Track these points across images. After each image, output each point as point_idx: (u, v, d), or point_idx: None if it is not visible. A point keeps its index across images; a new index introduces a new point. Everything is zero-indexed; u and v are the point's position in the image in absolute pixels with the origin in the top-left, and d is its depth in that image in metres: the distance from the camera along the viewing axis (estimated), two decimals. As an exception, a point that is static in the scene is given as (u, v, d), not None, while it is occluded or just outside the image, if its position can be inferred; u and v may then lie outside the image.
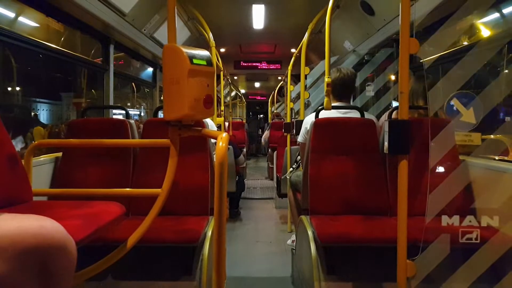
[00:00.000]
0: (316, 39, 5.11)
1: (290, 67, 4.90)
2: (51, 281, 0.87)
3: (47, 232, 0.85)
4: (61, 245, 0.88)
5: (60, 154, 2.63)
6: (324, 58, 2.56)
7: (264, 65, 8.26)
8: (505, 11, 2.80)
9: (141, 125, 2.97)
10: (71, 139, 2.56)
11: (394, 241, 1.62)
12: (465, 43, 2.92)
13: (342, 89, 2.82)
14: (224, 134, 1.24)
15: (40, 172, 2.45)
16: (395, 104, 2.98)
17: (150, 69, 5.56)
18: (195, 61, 1.38)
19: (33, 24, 3.20)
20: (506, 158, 2.22)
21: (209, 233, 2.26)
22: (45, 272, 0.85)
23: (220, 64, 5.57)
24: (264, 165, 10.88)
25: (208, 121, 3.21)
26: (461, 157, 2.44)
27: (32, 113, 5.05)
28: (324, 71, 2.56)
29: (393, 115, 2.49)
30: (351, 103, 3.01)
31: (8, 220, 0.84)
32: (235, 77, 11.31)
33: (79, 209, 1.40)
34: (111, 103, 3.72)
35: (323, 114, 2.72)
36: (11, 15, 2.95)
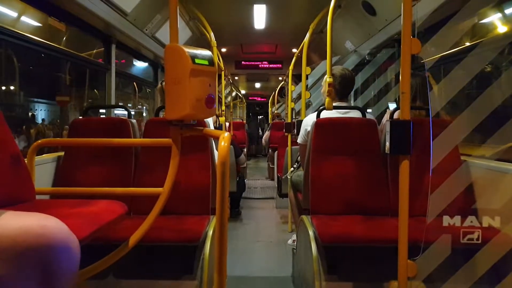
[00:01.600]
0: (317, 39, 5.11)
1: (291, 67, 4.90)
2: (53, 280, 0.86)
3: (49, 232, 0.84)
4: (64, 245, 0.87)
5: (62, 153, 2.64)
6: (325, 58, 2.56)
7: (265, 65, 8.26)
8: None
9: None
10: (73, 138, 2.56)
11: (395, 241, 1.62)
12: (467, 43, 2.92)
13: (342, 89, 2.82)
14: (226, 134, 1.24)
15: (43, 171, 2.45)
16: (391, 105, 2.97)
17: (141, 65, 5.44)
18: (197, 60, 1.38)
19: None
20: None
21: (210, 233, 2.26)
22: (47, 272, 0.84)
23: (222, 64, 5.58)
24: (264, 165, 10.88)
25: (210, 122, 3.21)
26: (462, 158, 2.44)
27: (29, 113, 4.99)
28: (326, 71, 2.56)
29: (395, 116, 2.49)
30: (352, 103, 3.01)
31: (10, 219, 0.83)
32: (236, 78, 11.30)
33: (81, 208, 1.40)
34: (113, 102, 3.73)
35: (323, 114, 2.72)
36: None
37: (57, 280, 0.87)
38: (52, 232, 0.85)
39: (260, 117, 17.92)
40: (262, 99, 17.44)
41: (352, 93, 4.99)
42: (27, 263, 0.81)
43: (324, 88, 2.79)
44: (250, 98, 17.51)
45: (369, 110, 5.08)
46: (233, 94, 12.00)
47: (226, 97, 9.21)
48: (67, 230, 0.89)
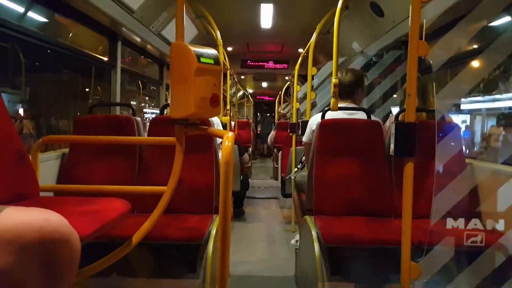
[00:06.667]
0: (324, 39, 5.09)
1: (297, 67, 4.89)
2: (55, 273, 0.88)
3: (51, 225, 0.86)
4: (65, 238, 0.89)
5: (67, 150, 2.65)
6: (331, 59, 2.56)
7: (271, 65, 8.25)
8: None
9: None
10: (77, 136, 2.57)
11: (398, 242, 1.62)
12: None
13: (347, 90, 2.81)
14: (230, 133, 1.24)
15: (47, 167, 2.46)
16: (394, 110, 2.95)
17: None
18: (202, 59, 1.38)
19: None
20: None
21: (213, 232, 2.26)
22: (49, 265, 0.86)
23: (227, 63, 5.57)
24: (270, 165, 10.89)
25: (215, 119, 3.21)
26: (467, 161, 2.43)
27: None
28: (331, 71, 2.55)
29: (400, 118, 2.48)
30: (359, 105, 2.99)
31: (13, 213, 0.85)
32: (242, 77, 11.29)
33: (85, 206, 1.41)
34: (118, 100, 3.74)
35: (329, 115, 2.72)
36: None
37: (58, 273, 0.89)
38: (54, 225, 0.87)
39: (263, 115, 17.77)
40: (270, 98, 17.37)
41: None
42: (30, 256, 0.83)
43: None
44: (258, 97, 17.47)
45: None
46: (240, 93, 12.01)
47: (232, 96, 9.21)
48: (67, 224, 0.91)
